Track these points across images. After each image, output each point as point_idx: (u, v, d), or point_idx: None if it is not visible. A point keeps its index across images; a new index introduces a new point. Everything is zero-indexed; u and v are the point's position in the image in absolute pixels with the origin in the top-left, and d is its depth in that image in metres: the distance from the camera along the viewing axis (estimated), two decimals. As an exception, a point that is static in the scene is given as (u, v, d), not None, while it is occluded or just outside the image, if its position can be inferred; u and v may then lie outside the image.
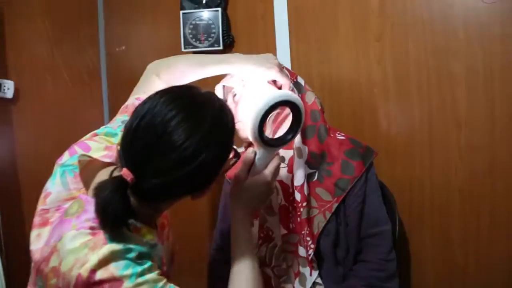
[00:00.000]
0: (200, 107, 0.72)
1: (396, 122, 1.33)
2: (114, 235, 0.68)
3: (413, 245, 1.32)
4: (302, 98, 1.07)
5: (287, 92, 0.91)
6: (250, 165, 0.89)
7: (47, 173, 1.94)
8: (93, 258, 0.66)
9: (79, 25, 1.95)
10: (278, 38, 1.49)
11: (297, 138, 1.01)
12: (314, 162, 1.04)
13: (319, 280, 1.00)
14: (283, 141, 0.92)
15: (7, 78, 1.63)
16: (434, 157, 1.28)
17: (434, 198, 1.28)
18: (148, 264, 0.70)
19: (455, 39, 1.23)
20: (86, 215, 0.70)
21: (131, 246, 0.69)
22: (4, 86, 1.62)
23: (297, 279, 1.00)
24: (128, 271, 0.67)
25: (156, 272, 0.70)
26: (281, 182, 1.03)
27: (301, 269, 1.00)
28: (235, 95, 1.07)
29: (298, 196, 1.00)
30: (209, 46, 1.58)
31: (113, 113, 2.02)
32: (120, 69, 1.96)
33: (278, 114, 1.02)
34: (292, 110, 0.90)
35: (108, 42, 1.99)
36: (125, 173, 0.69)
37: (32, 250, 0.74)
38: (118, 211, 0.67)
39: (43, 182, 1.89)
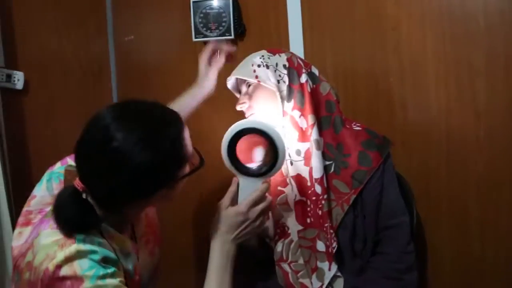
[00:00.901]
0: (138, 116, 0.76)
1: (412, 112, 1.31)
2: (83, 237, 0.73)
3: (429, 236, 1.31)
4: (317, 89, 1.05)
5: (253, 120, 0.91)
6: (233, 194, 0.90)
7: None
8: (60, 255, 0.70)
9: (87, 15, 1.93)
10: (291, 26, 1.46)
11: (315, 130, 1.00)
12: (330, 153, 1.03)
13: (338, 273, 0.99)
14: (258, 173, 0.90)
15: (17, 69, 1.63)
16: (452, 148, 1.25)
17: (451, 189, 1.27)
18: (112, 269, 0.73)
19: (475, 26, 1.20)
20: (59, 234, 0.74)
21: (98, 249, 0.73)
22: (14, 77, 1.61)
23: (314, 274, 0.99)
24: (90, 272, 0.70)
25: (119, 279, 0.73)
26: (297, 176, 1.02)
27: (319, 264, 0.99)
28: (249, 86, 1.06)
29: (318, 189, 0.99)
30: (220, 35, 1.55)
31: (123, 104, 2.01)
32: (129, 59, 1.94)
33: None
34: (265, 139, 0.87)
35: (116, 32, 1.97)
36: (77, 182, 0.76)
37: (12, 247, 0.79)
38: (69, 215, 0.73)
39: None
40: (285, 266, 1.01)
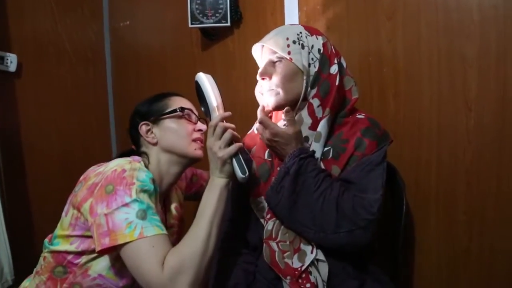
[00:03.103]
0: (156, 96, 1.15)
1: (405, 102, 1.32)
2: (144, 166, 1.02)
3: (417, 226, 1.33)
4: (341, 80, 1.05)
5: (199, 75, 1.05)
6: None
7: (50, 145, 1.94)
8: (128, 165, 0.97)
9: (82, -1, 1.92)
10: (287, 14, 1.47)
11: (324, 122, 1.01)
12: (329, 140, 1.04)
13: (322, 257, 1.00)
14: (205, 112, 1.05)
15: (10, 51, 1.61)
16: (442, 139, 1.27)
17: (440, 180, 1.28)
18: (154, 192, 0.97)
19: (469, 20, 1.21)
20: (131, 158, 1.04)
21: (152, 176, 0.99)
22: (7, 59, 1.60)
23: (296, 255, 1.00)
24: (141, 184, 0.94)
25: (153, 205, 0.95)
26: None
27: (302, 246, 1.00)
28: (276, 61, 1.04)
29: None
30: (216, 22, 1.55)
31: (116, 89, 2.02)
32: (124, 44, 1.94)
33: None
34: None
35: (112, 17, 1.96)
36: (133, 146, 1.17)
37: (89, 169, 1.03)
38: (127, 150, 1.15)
39: (45, 154, 1.89)
40: (273, 244, 1.02)
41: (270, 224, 1.04)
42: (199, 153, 1.10)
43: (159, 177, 1.08)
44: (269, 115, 1.13)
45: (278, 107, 1.05)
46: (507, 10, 1.16)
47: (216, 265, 1.10)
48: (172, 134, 1.08)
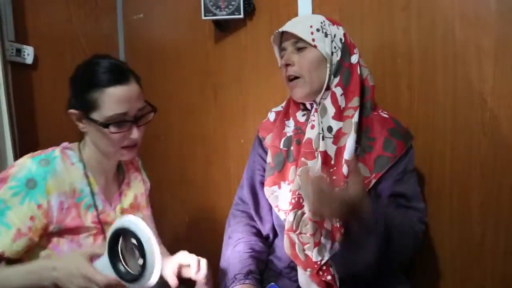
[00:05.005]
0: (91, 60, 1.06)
1: (419, 93, 1.30)
2: (42, 158, 0.95)
3: (430, 219, 1.31)
4: (360, 69, 1.06)
5: (120, 221, 0.79)
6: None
7: (66, 138, 1.98)
8: (21, 160, 0.95)
9: (96, -9, 1.93)
10: (300, 6, 1.46)
11: (357, 114, 1.02)
12: (357, 136, 1.04)
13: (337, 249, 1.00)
14: (125, 278, 0.77)
15: (27, 44, 1.64)
16: (457, 131, 1.25)
17: (454, 172, 1.27)
18: (36, 190, 0.90)
19: (486, 10, 1.19)
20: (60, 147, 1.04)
21: (39, 171, 0.92)
22: (24, 51, 1.62)
23: (316, 248, 1.00)
24: (13, 185, 0.90)
25: (34, 207, 0.90)
26: (324, 152, 1.02)
27: (323, 240, 1.00)
28: (299, 48, 1.05)
29: (345, 170, 1.00)
30: (229, 14, 1.55)
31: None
32: (138, 37, 1.95)
33: None
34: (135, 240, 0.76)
35: (125, 10, 1.97)
36: None
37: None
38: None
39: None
40: (294, 236, 1.03)
41: (291, 216, 1.04)
42: (128, 157, 1.01)
43: (101, 156, 1.01)
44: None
45: (304, 98, 1.07)
46: (526, 0, 1.14)
47: (228, 253, 1.12)
48: (99, 139, 0.98)
